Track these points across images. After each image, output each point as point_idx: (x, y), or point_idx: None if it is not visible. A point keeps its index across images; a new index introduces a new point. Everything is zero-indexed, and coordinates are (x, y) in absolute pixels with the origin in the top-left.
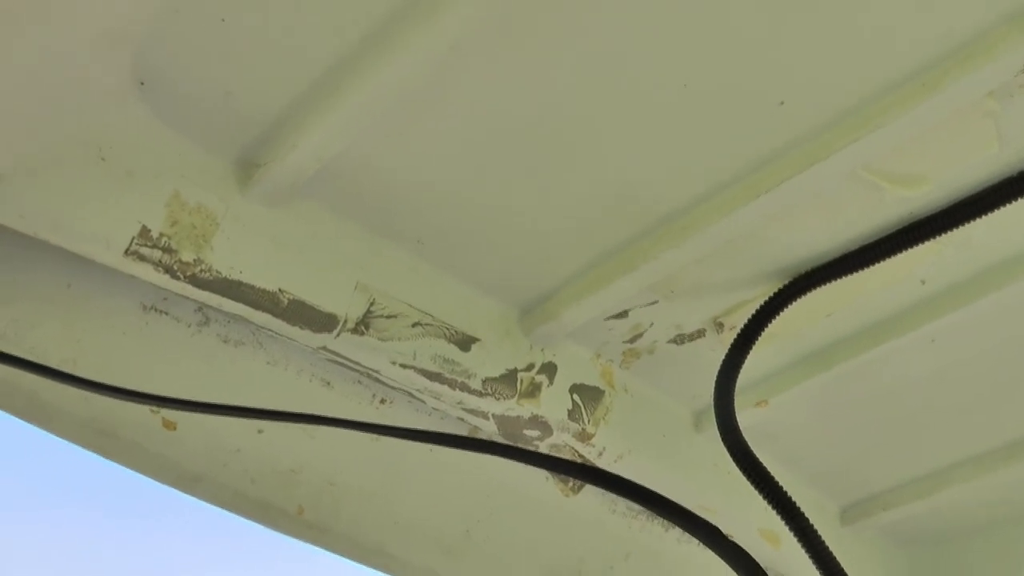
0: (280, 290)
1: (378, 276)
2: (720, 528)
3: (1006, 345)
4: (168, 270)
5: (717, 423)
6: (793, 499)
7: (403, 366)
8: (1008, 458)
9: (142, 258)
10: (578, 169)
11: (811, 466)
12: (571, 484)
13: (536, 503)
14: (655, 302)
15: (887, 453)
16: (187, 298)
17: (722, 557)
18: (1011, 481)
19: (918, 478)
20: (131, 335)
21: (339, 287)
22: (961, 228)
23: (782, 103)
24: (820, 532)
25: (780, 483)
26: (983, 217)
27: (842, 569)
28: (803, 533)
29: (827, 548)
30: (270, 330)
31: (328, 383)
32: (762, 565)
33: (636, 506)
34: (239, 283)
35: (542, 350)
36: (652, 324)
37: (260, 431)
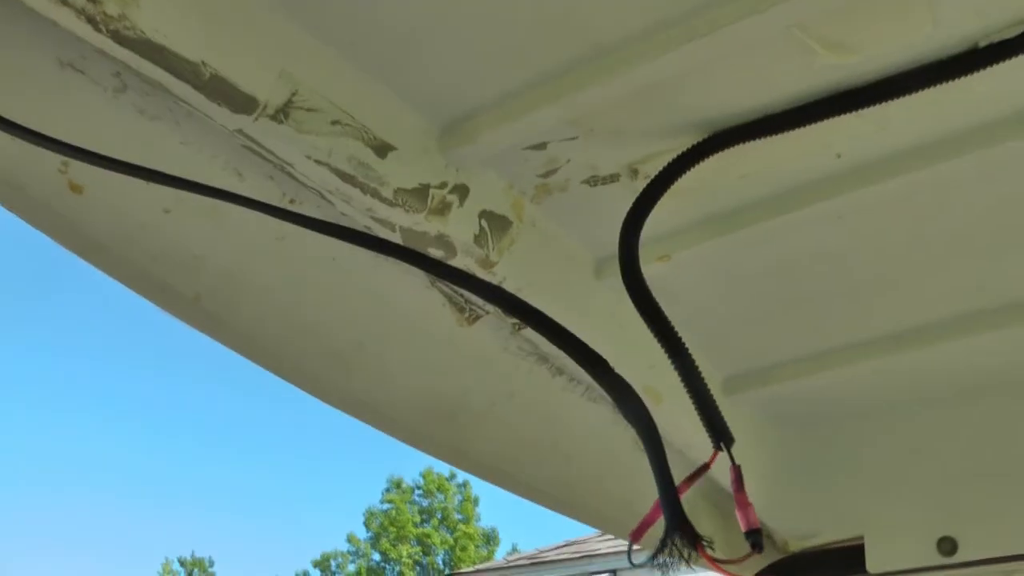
0: (203, 62)
1: (304, 68)
2: (607, 362)
3: (910, 230)
4: (91, 20)
5: (620, 262)
6: (682, 344)
7: (318, 162)
8: (893, 347)
9: (65, 2)
10: None
11: (702, 330)
12: (467, 314)
13: (430, 327)
14: (575, 138)
15: (778, 327)
16: (106, 55)
17: (606, 390)
18: (891, 369)
19: (803, 357)
20: (45, 91)
21: (263, 71)
22: (883, 105)
23: None
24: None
25: (673, 329)
26: (905, 97)
27: (716, 409)
28: (689, 377)
29: (710, 393)
30: (188, 103)
31: (240, 174)
32: None
33: (527, 347)
34: (162, 47)
35: (457, 170)
36: (568, 161)
37: (167, 211)
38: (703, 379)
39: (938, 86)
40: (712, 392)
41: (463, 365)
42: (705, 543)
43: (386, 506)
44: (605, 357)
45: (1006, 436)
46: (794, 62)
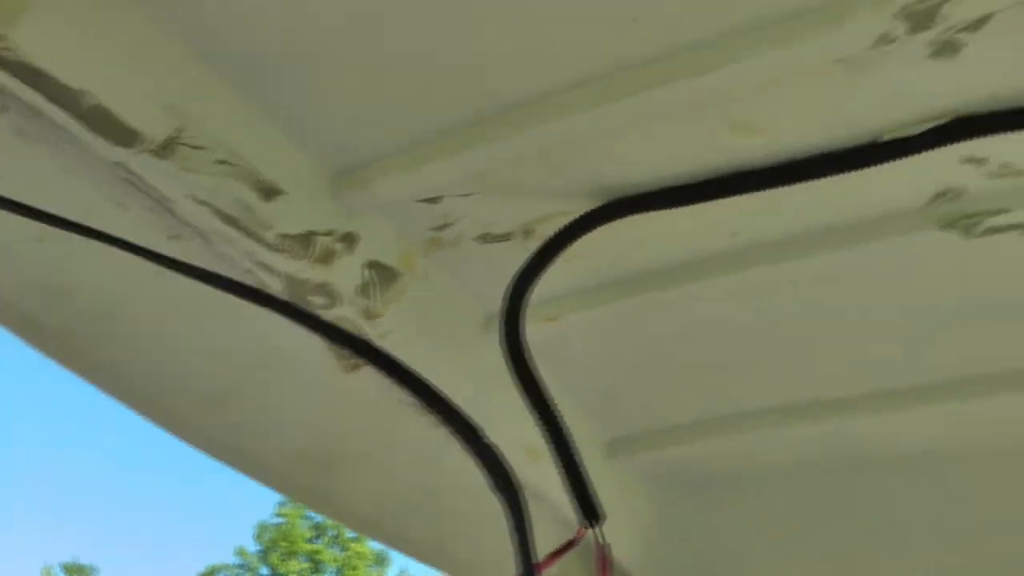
0: (84, 91)
1: (192, 102)
2: (481, 429)
3: (800, 310)
4: None
5: (500, 326)
6: (556, 413)
7: (200, 202)
8: (776, 419)
9: None
10: (429, 37)
11: (587, 393)
12: (349, 361)
13: (310, 373)
14: (470, 195)
15: (665, 394)
16: None
17: (475, 458)
18: (775, 440)
19: (688, 424)
20: None
21: (149, 104)
22: (781, 189)
23: (635, 19)
24: (582, 459)
25: (548, 397)
26: (803, 183)
27: (587, 485)
28: (560, 448)
29: (581, 466)
30: (68, 131)
31: (123, 205)
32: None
33: (409, 397)
34: (40, 72)
35: (346, 217)
36: (463, 217)
37: (41, 239)
38: (575, 451)
39: (838, 175)
40: (593, 456)
41: (343, 413)
42: None
43: (279, 520)
44: (487, 412)
45: (891, 509)
46: (699, 137)
